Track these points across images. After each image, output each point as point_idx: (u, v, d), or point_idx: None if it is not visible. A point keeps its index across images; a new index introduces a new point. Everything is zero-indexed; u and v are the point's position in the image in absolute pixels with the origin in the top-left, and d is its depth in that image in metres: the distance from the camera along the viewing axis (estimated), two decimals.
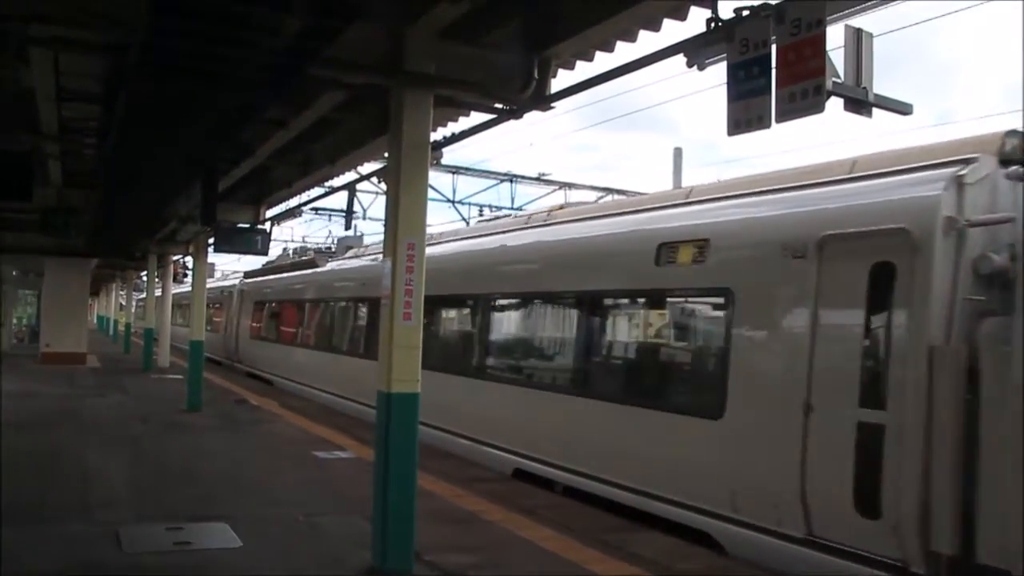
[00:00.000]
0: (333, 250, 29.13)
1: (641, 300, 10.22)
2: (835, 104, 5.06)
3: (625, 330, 10.85)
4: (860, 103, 5.41)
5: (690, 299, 9.40)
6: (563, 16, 6.71)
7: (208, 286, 37.51)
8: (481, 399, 12.08)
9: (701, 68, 5.51)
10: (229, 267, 51.08)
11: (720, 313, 8.50)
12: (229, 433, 14.03)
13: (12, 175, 10.21)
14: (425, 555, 6.86)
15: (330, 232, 34.53)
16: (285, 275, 26.09)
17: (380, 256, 16.59)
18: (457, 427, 12.30)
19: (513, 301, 12.72)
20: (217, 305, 34.58)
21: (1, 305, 28.69)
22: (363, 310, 18.32)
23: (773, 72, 4.56)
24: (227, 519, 7.95)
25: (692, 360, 9.53)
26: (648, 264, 9.17)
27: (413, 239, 6.62)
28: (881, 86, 5.78)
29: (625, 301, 10.53)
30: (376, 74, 6.70)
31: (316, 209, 26.33)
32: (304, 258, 28.67)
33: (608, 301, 10.54)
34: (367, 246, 24.09)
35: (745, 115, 4.67)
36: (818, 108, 4.41)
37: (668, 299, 9.69)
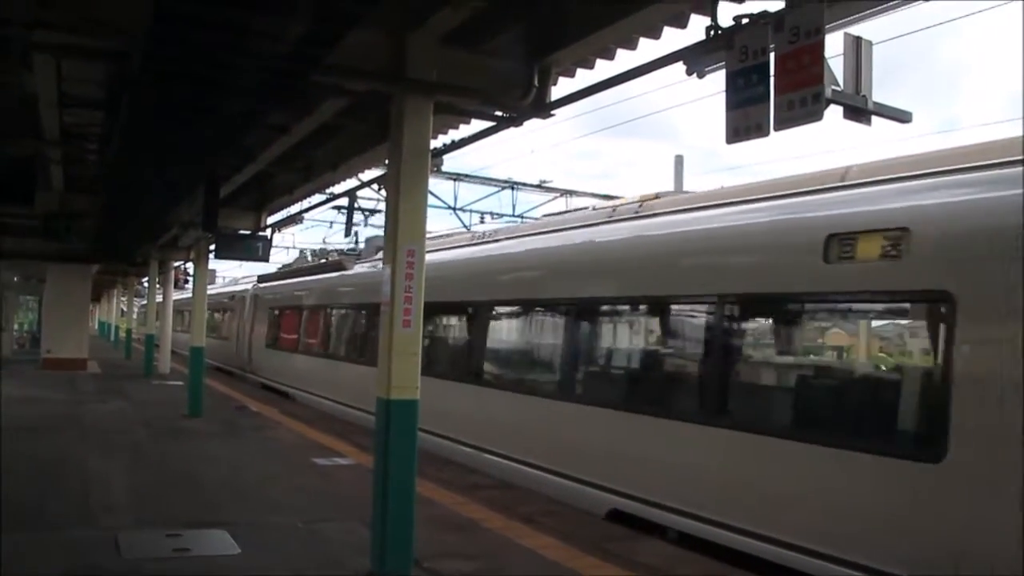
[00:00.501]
0: (359, 252, 26.60)
1: (801, 306, 8.11)
2: (834, 112, 5.06)
3: (786, 343, 8.62)
4: (859, 111, 5.41)
5: (875, 304, 7.48)
6: (564, 23, 6.73)
7: (216, 291, 37.02)
8: (574, 425, 10.02)
9: (700, 76, 5.52)
10: (231, 272, 50.91)
11: (927, 323, 6.95)
12: (229, 439, 14.01)
13: (14, 180, 10.25)
14: (424, 562, 6.84)
15: (324, 239, 33.58)
16: (306, 279, 24.23)
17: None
18: (536, 457, 10.50)
19: (610, 308, 10.78)
20: (226, 311, 33.30)
21: (1, 310, 28.68)
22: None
23: (772, 80, 4.57)
24: (226, 525, 7.94)
25: (885, 384, 7.46)
26: (812, 261, 7.27)
27: (413, 246, 6.63)
28: (883, 94, 5.77)
29: (777, 308, 8.38)
30: (377, 80, 6.72)
31: (339, 207, 24.69)
32: (327, 260, 27.17)
33: (749, 308, 8.49)
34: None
35: (744, 123, 4.68)
36: (817, 116, 4.41)
37: (843, 304, 7.75)
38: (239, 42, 5.64)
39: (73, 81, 9.09)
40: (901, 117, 5.84)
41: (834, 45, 5.17)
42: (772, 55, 4.59)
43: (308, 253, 33.79)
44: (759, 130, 4.62)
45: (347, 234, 23.66)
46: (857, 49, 5.68)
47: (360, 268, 20.40)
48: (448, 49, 6.73)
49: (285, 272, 28.75)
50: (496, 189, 24.62)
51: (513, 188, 23.97)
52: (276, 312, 25.56)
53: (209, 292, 39.15)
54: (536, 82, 7.01)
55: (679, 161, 24.40)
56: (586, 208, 14.06)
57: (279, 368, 24.10)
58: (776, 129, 4.55)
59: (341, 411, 17.44)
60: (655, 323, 10.24)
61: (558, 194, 25.15)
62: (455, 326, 14.81)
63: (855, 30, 5.70)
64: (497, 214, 24.89)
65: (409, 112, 6.63)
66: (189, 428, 15.08)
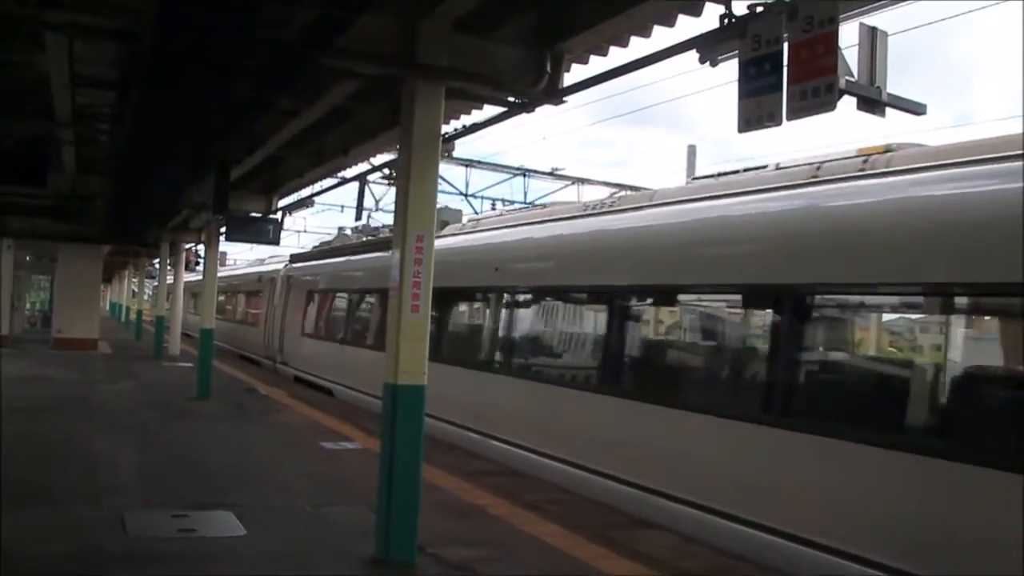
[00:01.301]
0: None
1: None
2: (847, 103, 5.01)
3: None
4: (873, 102, 5.37)
5: None
6: (577, 10, 6.69)
7: (240, 272, 36.64)
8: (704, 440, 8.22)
9: (713, 64, 5.48)
10: (242, 255, 50.87)
11: None
12: (238, 422, 14.06)
13: (26, 161, 10.27)
14: (429, 548, 6.85)
15: (341, 228, 30.62)
16: (356, 258, 21.13)
17: (493, 231, 14.40)
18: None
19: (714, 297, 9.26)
20: (253, 294, 30.67)
21: (13, 289, 28.74)
22: (479, 305, 14.42)
23: (785, 69, 4.53)
24: (232, 507, 7.96)
25: None
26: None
27: (422, 231, 6.61)
28: (897, 85, 5.72)
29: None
30: (389, 65, 6.70)
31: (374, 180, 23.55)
32: (379, 237, 23.12)
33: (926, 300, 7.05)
34: (479, 219, 18.06)
35: (756, 112, 4.64)
36: (830, 106, 4.37)
37: None
38: (249, 24, 5.63)
39: (85, 61, 9.09)
40: (916, 109, 5.80)
41: (849, 35, 5.12)
42: (785, 44, 4.55)
43: (349, 230, 29.39)
44: (771, 119, 4.58)
45: (357, 217, 23.13)
46: (872, 40, 5.64)
47: None
48: (460, 35, 6.71)
49: (326, 251, 25.10)
50: (508, 176, 24.55)
51: (525, 175, 23.91)
52: (316, 296, 22.69)
53: (232, 273, 37.51)
54: (548, 69, 6.97)
55: (692, 151, 24.35)
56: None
57: (318, 360, 21.07)
58: (789, 119, 4.51)
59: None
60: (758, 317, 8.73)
61: (570, 182, 25.09)
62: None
63: (870, 20, 5.66)
64: (509, 201, 24.84)
65: (420, 97, 6.61)
66: (197, 410, 15.13)
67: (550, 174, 24.35)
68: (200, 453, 11.06)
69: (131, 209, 17.75)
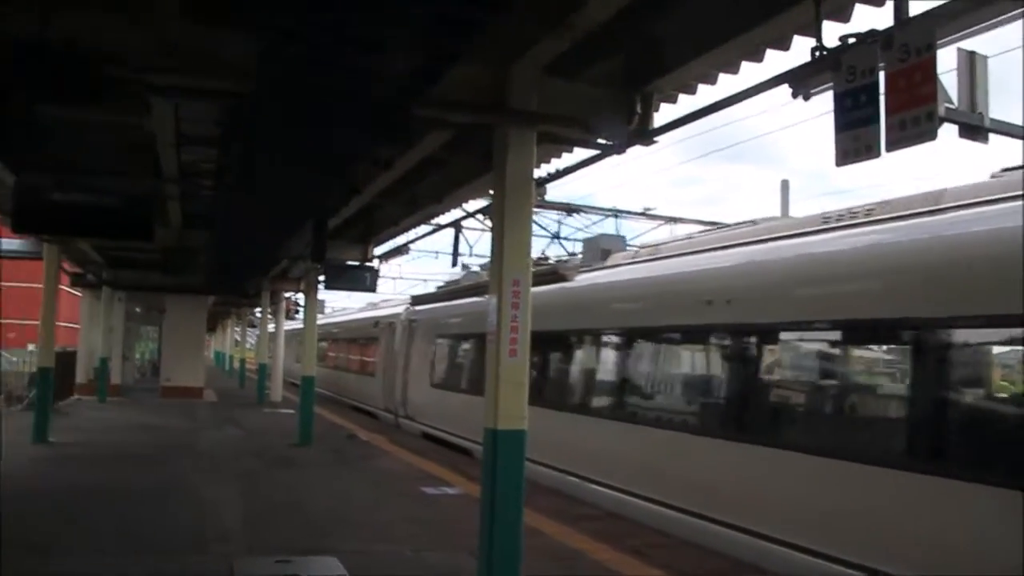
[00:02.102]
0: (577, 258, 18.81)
1: None
2: (948, 131, 4.87)
3: None
4: (975, 129, 5.21)
5: None
6: (664, 50, 6.68)
7: (350, 318, 35.20)
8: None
9: (806, 98, 5.39)
10: (339, 303, 51.66)
11: None
12: (338, 468, 14.22)
13: (135, 217, 10.64)
14: None
15: (466, 267, 25.76)
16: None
17: (674, 259, 11.84)
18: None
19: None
20: (366, 341, 28.18)
21: (125, 340, 29.72)
22: (675, 348, 11.70)
23: (882, 100, 4.42)
24: (336, 552, 8.03)
25: None
26: None
27: (518, 276, 6.64)
28: (1001, 110, 5.54)
29: None
30: (480, 112, 6.79)
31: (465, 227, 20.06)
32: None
33: None
34: (653, 245, 14.50)
35: (854, 145, 4.53)
36: (930, 136, 4.25)
37: None
38: (346, 80, 5.77)
39: (189, 121, 9.45)
40: (1020, 134, 5.60)
41: (946, 60, 4.98)
42: (881, 74, 4.45)
43: (478, 266, 24.71)
44: (869, 152, 4.46)
45: (454, 264, 22.37)
46: (971, 65, 5.48)
47: (589, 278, 14.20)
48: (549, 79, 6.75)
49: (456, 290, 21.47)
50: (600, 218, 24.46)
51: (617, 216, 23.78)
52: (447, 341, 19.92)
53: (342, 319, 36.51)
54: (638, 109, 6.96)
55: (785, 186, 23.92)
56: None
57: (453, 415, 17.82)
58: (888, 150, 4.39)
59: (562, 481, 12.28)
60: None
61: (663, 221, 24.88)
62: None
63: (967, 45, 5.50)
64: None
65: (512, 143, 6.67)
66: (299, 456, 15.38)
67: (642, 214, 24.17)
68: (302, 499, 11.21)
69: (233, 261, 18.28)
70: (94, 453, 14.73)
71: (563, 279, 14.40)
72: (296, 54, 5.34)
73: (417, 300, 24.68)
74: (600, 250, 15.43)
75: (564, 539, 8.96)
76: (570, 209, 22.60)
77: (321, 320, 39.01)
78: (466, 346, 18.80)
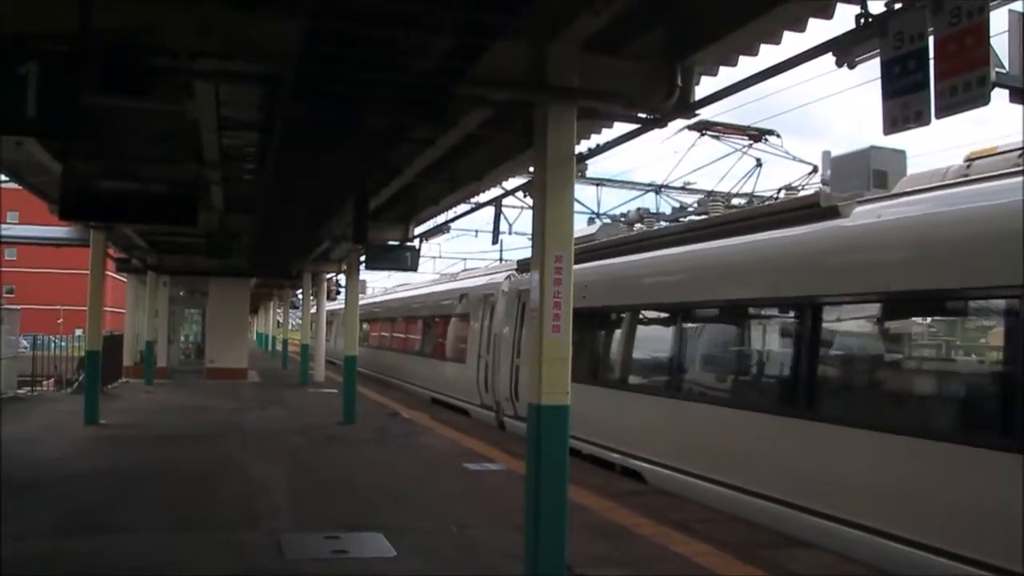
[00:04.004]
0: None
1: None
2: (998, 96, 4.75)
3: None
4: None
5: None
6: (705, 22, 6.61)
7: (423, 291, 28.99)
8: None
9: (851, 66, 5.32)
10: (379, 283, 51.71)
11: None
12: (382, 445, 14.38)
13: (180, 202, 10.79)
14: (577, 568, 6.82)
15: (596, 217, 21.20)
16: (672, 253, 12.35)
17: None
18: None
19: None
20: (449, 319, 23.24)
21: (170, 324, 30.08)
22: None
23: (931, 65, 4.35)
24: (382, 529, 8.15)
25: None
26: None
27: (560, 251, 6.64)
28: None
29: None
30: (520, 90, 6.77)
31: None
32: (766, 204, 13.22)
33: None
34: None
35: (902, 112, 4.45)
36: (983, 101, 4.16)
37: None
38: (387, 59, 5.80)
39: (230, 105, 9.54)
40: None
41: (996, 23, 4.86)
42: (931, 39, 4.37)
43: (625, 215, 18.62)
44: (919, 119, 4.39)
45: (494, 241, 21.33)
46: None
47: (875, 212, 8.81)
48: (589, 55, 6.71)
49: (599, 245, 14.95)
50: (639, 193, 24.29)
51: (657, 191, 23.59)
52: (596, 319, 13.86)
53: (409, 294, 31.28)
54: (679, 83, 6.91)
55: (826, 156, 23.58)
56: None
57: (616, 425, 12.59)
58: (938, 117, 4.31)
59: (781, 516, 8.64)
60: None
61: (704, 195, 24.64)
62: None
63: (1020, 6, 5.38)
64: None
65: (553, 119, 6.65)
66: (344, 434, 15.57)
67: (683, 188, 23.95)
68: (348, 476, 11.36)
69: (274, 243, 18.49)
70: (144, 434, 15.02)
71: (831, 215, 9.15)
72: (338, 31, 5.37)
73: (525, 265, 16.80)
74: (870, 172, 10.55)
75: (610, 515, 8.99)
76: (604, 184, 22.45)
77: (380, 297, 37.28)
78: (625, 325, 13.33)
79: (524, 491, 6.81)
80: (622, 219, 17.85)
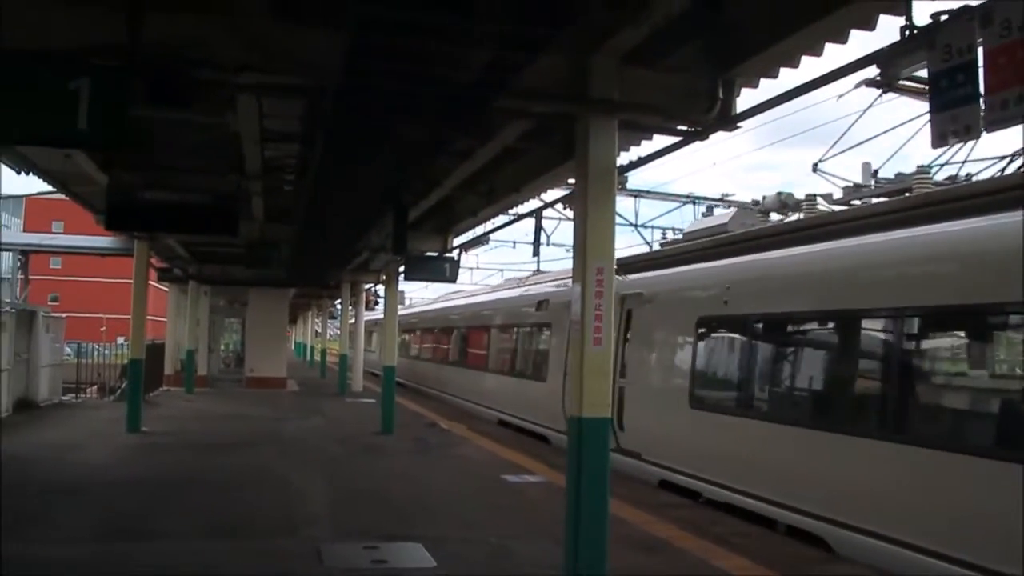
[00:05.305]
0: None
1: None
2: None
3: None
4: None
5: None
6: (745, 35, 6.60)
7: (487, 298, 25.61)
8: None
9: (896, 79, 5.28)
10: (417, 293, 51.73)
11: None
12: (420, 456, 14.41)
13: (221, 212, 10.94)
14: None
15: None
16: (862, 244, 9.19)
17: None
18: None
19: None
20: (522, 328, 20.27)
21: (210, 333, 30.43)
22: None
23: (980, 78, 4.28)
24: (421, 539, 8.15)
25: None
26: None
27: (602, 264, 6.65)
28: None
29: None
30: (561, 102, 6.80)
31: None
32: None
33: None
34: None
35: (951, 126, 4.39)
36: None
37: None
38: (428, 71, 5.85)
39: (273, 117, 9.66)
40: None
41: None
42: (980, 51, 4.30)
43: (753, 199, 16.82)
44: (968, 132, 4.32)
45: (535, 253, 19.70)
46: None
47: None
48: (630, 67, 6.72)
49: (727, 240, 12.31)
50: (677, 204, 24.24)
51: (695, 203, 23.52)
52: (753, 331, 10.69)
53: (469, 301, 27.96)
54: (720, 94, 6.89)
55: (867, 168, 23.35)
56: None
57: (762, 465, 9.69)
58: (988, 130, 4.23)
59: None
60: None
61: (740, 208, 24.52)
62: None
63: None
64: (679, 230, 24.44)
65: (594, 132, 6.66)
66: (382, 444, 15.63)
67: (720, 200, 23.87)
68: (386, 486, 11.40)
69: (314, 253, 18.65)
70: (185, 441, 15.18)
71: None
72: (381, 44, 5.43)
73: (636, 265, 14.24)
74: None
75: (648, 528, 8.94)
76: (641, 195, 22.39)
77: (432, 305, 34.88)
78: (797, 339, 10.24)
79: (563, 503, 6.81)
80: (754, 207, 15.75)
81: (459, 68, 6.11)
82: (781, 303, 10.09)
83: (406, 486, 11.43)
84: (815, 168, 13.79)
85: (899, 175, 11.54)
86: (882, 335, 8.79)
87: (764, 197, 15.45)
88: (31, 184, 15.39)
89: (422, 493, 10.96)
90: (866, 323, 8.89)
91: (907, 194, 10.34)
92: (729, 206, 22.47)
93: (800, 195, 13.87)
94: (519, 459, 13.72)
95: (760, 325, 10.56)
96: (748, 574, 7.31)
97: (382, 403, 17.73)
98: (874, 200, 11.76)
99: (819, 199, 13.19)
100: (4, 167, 11.70)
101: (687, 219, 23.12)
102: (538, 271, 23.51)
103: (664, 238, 21.92)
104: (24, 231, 53.89)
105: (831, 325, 9.57)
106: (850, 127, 15.40)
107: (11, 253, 27.85)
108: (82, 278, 72.51)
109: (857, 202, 12.18)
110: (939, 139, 4.49)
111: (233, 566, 7.27)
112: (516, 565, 7.62)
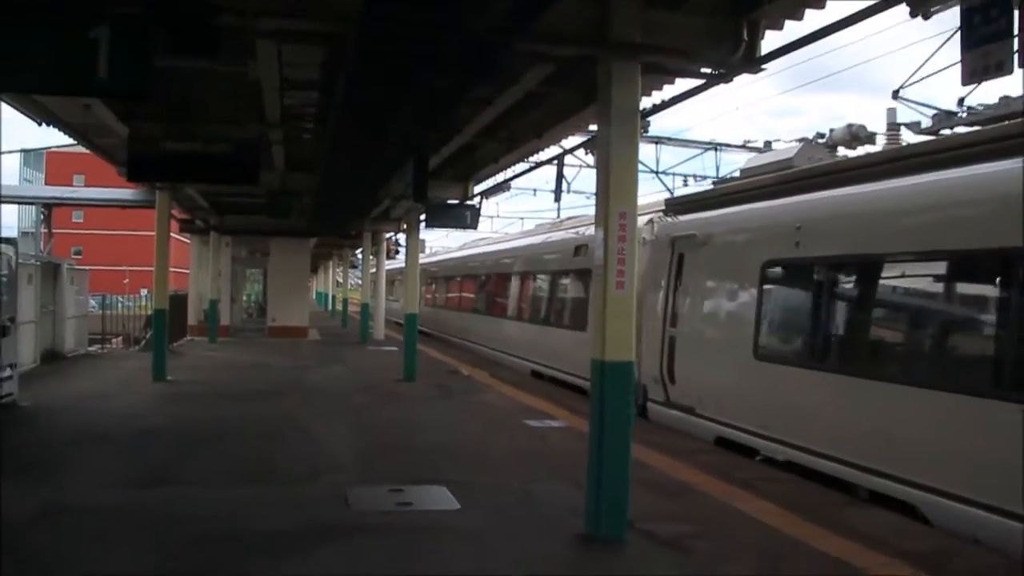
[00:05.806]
0: None
1: None
2: None
3: None
4: None
5: None
6: None
7: (532, 241, 23.08)
8: None
9: (926, 17, 5.18)
10: (438, 242, 51.71)
11: None
12: (443, 402, 14.50)
13: (241, 162, 10.96)
14: (638, 524, 6.86)
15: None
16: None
17: None
18: None
19: None
20: (561, 274, 19.14)
21: (233, 283, 30.57)
22: None
23: (1016, 13, 4.18)
24: (445, 483, 8.24)
25: None
26: None
27: (624, 208, 6.61)
28: None
29: None
30: (583, 45, 6.71)
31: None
32: None
33: None
34: None
35: (983, 62, 4.31)
36: None
37: None
38: (447, 15, 5.79)
39: (292, 66, 9.61)
40: None
41: None
42: None
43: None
44: (1000, 69, 4.23)
45: (556, 199, 19.71)
46: None
47: None
48: (652, 9, 6.63)
49: (790, 177, 11.15)
50: (699, 151, 23.98)
51: (717, 149, 23.26)
52: (827, 275, 9.70)
53: (499, 247, 26.14)
54: (745, 36, 6.80)
55: (892, 113, 23.01)
56: None
57: (843, 424, 8.77)
58: (1021, 66, 4.17)
59: None
60: None
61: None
62: None
63: None
64: (701, 176, 24.22)
65: (616, 76, 6.58)
66: (405, 392, 15.75)
67: (742, 147, 23.60)
68: (410, 432, 11.50)
69: (334, 202, 18.66)
70: (209, 390, 15.34)
71: None
72: None
73: (686, 204, 13.57)
74: None
75: (672, 472, 8.99)
76: (662, 142, 22.15)
77: (460, 252, 33.67)
78: (893, 284, 8.96)
79: (585, 448, 6.85)
80: (820, 140, 14.68)
81: (481, 12, 6.05)
82: (873, 244, 8.85)
83: (430, 432, 11.52)
84: (895, 95, 12.68)
85: (1003, 98, 9.99)
86: (999, 276, 7.55)
87: (832, 130, 14.60)
88: (52, 137, 15.42)
89: (445, 439, 11.05)
90: (978, 263, 7.71)
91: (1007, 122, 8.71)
92: (753, 152, 22.08)
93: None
94: (541, 404, 13.80)
95: (847, 269, 9.48)
96: (771, 517, 7.34)
97: (405, 351, 17.83)
98: (965, 129, 10.05)
99: (904, 129, 12.45)
100: (23, 118, 11.69)
101: (708, 166, 22.97)
102: (568, 217, 22.44)
103: (686, 184, 21.74)
104: (46, 184, 54.29)
105: (937, 268, 8.30)
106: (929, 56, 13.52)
107: (34, 207, 28.01)
108: (104, 231, 72.91)
109: (947, 131, 10.64)
110: (969, 76, 4.42)
111: (260, 511, 7.38)
112: (539, 507, 7.70)
